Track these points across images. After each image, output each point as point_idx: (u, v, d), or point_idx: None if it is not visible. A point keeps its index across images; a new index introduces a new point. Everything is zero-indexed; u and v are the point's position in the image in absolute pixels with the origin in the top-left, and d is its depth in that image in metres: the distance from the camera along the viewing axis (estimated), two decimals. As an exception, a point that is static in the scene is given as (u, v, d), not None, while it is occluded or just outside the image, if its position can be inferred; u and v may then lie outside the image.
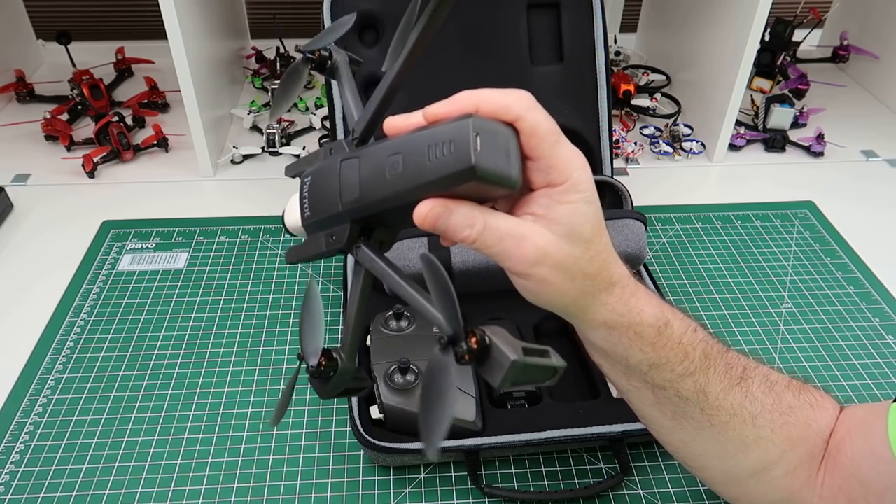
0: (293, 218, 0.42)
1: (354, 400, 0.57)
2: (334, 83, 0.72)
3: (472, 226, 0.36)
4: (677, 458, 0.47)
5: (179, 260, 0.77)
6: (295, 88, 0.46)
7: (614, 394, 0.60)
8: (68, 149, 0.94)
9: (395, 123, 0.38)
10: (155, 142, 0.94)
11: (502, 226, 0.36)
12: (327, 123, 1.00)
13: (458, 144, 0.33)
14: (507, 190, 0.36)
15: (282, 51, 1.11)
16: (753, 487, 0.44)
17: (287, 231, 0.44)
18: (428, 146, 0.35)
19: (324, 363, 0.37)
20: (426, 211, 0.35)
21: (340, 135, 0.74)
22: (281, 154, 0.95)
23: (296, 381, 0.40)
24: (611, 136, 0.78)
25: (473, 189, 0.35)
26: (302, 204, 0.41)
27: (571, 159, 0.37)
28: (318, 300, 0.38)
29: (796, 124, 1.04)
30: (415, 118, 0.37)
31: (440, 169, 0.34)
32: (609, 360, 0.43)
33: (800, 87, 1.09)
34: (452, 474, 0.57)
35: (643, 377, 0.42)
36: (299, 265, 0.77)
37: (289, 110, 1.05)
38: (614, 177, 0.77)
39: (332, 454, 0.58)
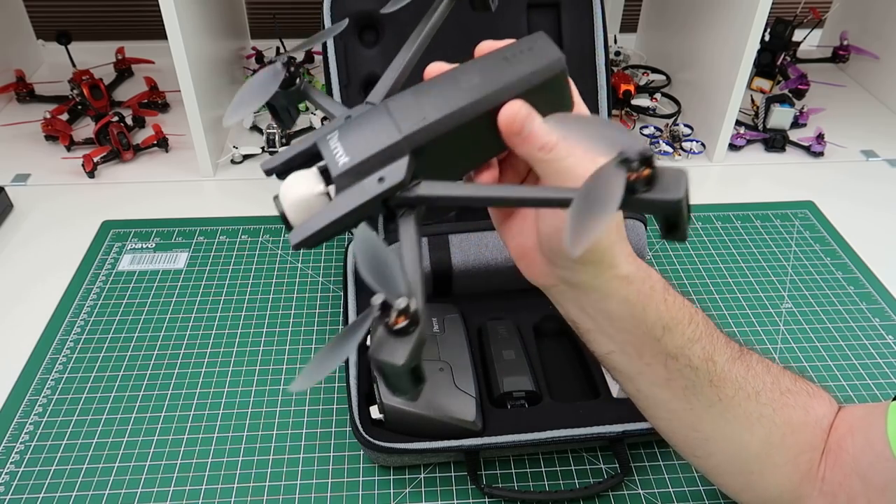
0: (302, 188, 0.34)
1: (354, 400, 0.57)
2: (334, 81, 0.73)
3: (551, 132, 0.35)
4: (684, 452, 0.47)
5: (179, 260, 0.77)
6: (264, 90, 0.39)
7: (614, 393, 0.60)
8: (68, 149, 0.94)
9: (438, 67, 0.37)
10: (155, 142, 0.94)
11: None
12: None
13: (540, 46, 0.34)
14: (563, 109, 0.37)
15: (282, 51, 1.11)
16: (757, 475, 0.44)
17: (286, 220, 0.34)
18: (503, 58, 0.34)
19: (412, 307, 0.29)
20: (515, 110, 0.34)
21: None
22: (281, 154, 0.95)
23: (357, 334, 0.30)
24: (611, 136, 0.78)
25: (543, 99, 0.35)
26: (333, 155, 0.34)
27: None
28: (376, 238, 0.30)
29: (796, 124, 1.04)
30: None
31: (527, 66, 0.33)
32: (621, 336, 0.42)
33: (800, 87, 1.09)
34: (452, 474, 0.57)
35: (657, 346, 0.41)
36: (299, 264, 0.77)
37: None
38: (614, 177, 0.77)
39: (332, 454, 0.58)
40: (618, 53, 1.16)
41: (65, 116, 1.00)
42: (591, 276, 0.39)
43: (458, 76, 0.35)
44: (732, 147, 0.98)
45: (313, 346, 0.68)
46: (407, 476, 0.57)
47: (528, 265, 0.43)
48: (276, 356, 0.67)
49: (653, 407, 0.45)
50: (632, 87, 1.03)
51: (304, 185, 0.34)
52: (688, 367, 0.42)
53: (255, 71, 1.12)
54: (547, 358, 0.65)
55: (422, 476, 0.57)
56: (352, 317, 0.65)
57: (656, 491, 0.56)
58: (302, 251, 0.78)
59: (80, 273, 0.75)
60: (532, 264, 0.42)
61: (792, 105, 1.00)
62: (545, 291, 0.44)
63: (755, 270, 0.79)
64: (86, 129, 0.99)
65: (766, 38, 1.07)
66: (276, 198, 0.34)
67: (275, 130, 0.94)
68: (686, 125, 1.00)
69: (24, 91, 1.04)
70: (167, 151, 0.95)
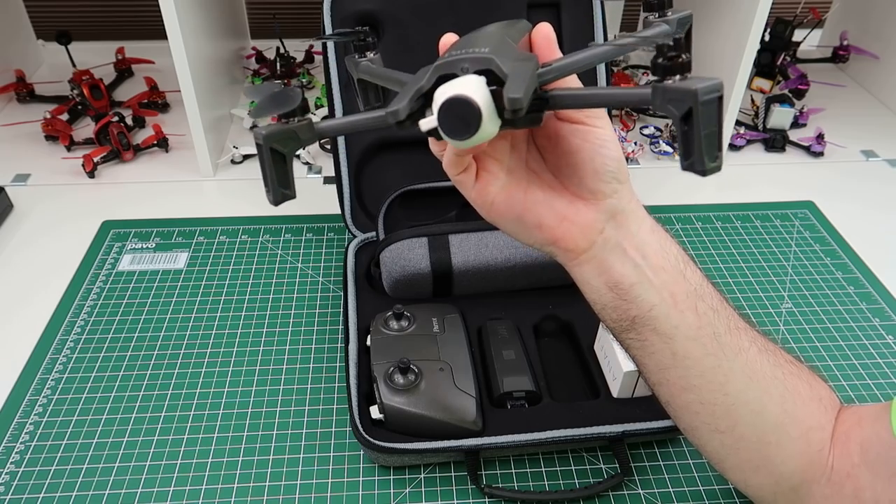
0: (483, 90, 0.33)
1: (354, 400, 0.57)
2: (334, 81, 0.73)
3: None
4: (709, 429, 0.46)
5: (179, 260, 0.77)
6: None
7: (614, 394, 0.60)
8: (68, 149, 0.94)
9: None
10: (155, 142, 0.94)
11: None
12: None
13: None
14: None
15: (282, 51, 1.11)
16: (774, 446, 0.45)
17: (479, 113, 0.32)
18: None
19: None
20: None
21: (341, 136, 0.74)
22: (281, 154, 0.95)
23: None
24: (611, 136, 0.78)
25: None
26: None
27: None
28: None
29: (796, 124, 1.04)
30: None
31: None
32: (660, 277, 0.43)
33: (800, 87, 1.09)
34: (452, 474, 0.57)
35: (685, 284, 0.43)
36: (299, 264, 0.77)
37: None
38: (614, 177, 0.77)
39: (332, 454, 0.58)
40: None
41: (65, 116, 1.00)
42: (628, 197, 0.44)
43: None
44: (732, 147, 0.98)
45: (313, 346, 0.68)
46: (407, 476, 0.57)
47: (567, 229, 0.43)
48: (276, 356, 0.67)
49: (685, 377, 0.45)
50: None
51: (482, 88, 0.33)
52: (711, 310, 0.44)
53: (255, 71, 1.12)
54: (547, 358, 0.64)
55: (422, 476, 0.57)
56: (352, 317, 0.65)
57: (656, 491, 0.56)
58: (301, 251, 0.79)
59: (80, 273, 0.75)
60: (575, 222, 0.43)
61: (792, 105, 1.00)
62: (586, 262, 0.44)
63: (755, 270, 0.79)
64: (86, 129, 0.99)
65: (766, 38, 1.07)
66: (459, 98, 0.33)
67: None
68: (686, 125, 1.00)
69: (24, 91, 1.04)
70: (167, 151, 0.95)
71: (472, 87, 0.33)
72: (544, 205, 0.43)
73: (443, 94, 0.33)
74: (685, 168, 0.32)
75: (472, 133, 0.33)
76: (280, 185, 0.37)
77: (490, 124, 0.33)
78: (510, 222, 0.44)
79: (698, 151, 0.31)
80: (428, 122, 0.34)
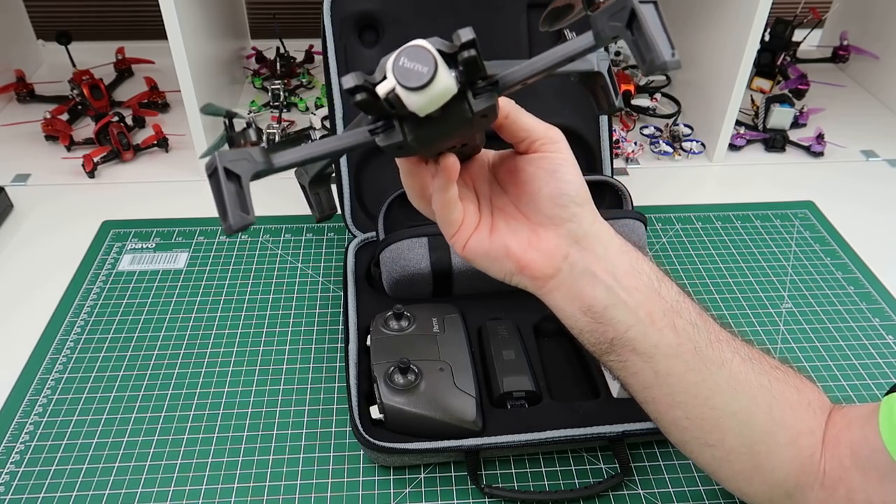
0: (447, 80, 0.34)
1: (354, 400, 0.57)
2: (334, 81, 0.73)
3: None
4: (699, 443, 0.47)
5: (179, 260, 0.78)
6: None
7: (614, 393, 0.60)
8: (68, 149, 0.94)
9: None
10: (155, 142, 0.94)
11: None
12: (327, 123, 1.00)
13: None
14: None
15: (282, 51, 1.11)
16: (765, 455, 0.44)
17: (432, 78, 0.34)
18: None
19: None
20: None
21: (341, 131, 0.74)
22: (281, 154, 0.95)
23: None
24: (611, 136, 0.78)
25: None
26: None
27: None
28: None
29: (796, 124, 1.04)
30: None
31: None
32: (634, 297, 0.43)
33: (800, 87, 1.09)
34: (452, 474, 0.57)
35: (661, 302, 0.44)
36: (299, 264, 0.77)
37: (289, 110, 1.05)
38: (614, 177, 0.77)
39: (332, 454, 0.58)
40: (618, 53, 1.16)
41: (65, 116, 1.00)
42: (591, 220, 0.44)
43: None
44: (732, 147, 0.98)
45: (313, 346, 0.68)
46: (407, 476, 0.57)
47: (532, 257, 0.44)
48: (276, 356, 0.67)
49: (670, 395, 0.45)
50: (632, 88, 1.03)
51: (432, 47, 0.34)
52: (690, 325, 0.44)
53: (255, 72, 1.12)
54: (547, 358, 0.65)
55: (422, 476, 0.57)
56: (352, 317, 0.65)
57: (656, 491, 0.56)
58: (301, 251, 0.79)
59: (80, 273, 0.75)
60: (539, 251, 0.43)
61: (792, 105, 1.00)
62: (556, 290, 0.45)
63: (755, 270, 0.79)
64: (86, 129, 0.99)
65: (766, 38, 1.07)
66: (426, 85, 0.34)
67: (275, 130, 0.94)
68: (686, 125, 1.00)
69: (24, 91, 1.04)
70: (167, 151, 0.95)
71: (423, 42, 0.34)
72: (509, 234, 0.44)
73: (395, 52, 0.34)
74: (648, 70, 0.33)
75: (429, 76, 0.33)
76: (240, 209, 0.34)
77: (446, 76, 0.34)
78: (481, 257, 0.45)
79: (655, 46, 0.32)
80: (385, 85, 0.34)
